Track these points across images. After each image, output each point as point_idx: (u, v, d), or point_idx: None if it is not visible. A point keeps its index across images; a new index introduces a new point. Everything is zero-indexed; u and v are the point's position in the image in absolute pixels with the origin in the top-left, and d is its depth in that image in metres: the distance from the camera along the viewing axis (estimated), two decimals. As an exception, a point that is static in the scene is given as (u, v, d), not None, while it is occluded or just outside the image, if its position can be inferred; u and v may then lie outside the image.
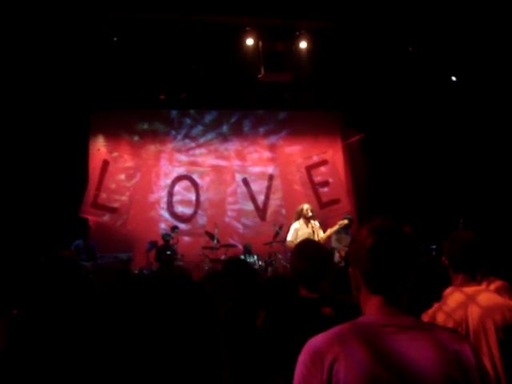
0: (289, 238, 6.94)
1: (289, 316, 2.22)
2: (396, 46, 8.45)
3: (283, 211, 10.45)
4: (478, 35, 7.38)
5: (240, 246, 10.06)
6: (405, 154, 9.92)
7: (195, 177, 10.56)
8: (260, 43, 8.42)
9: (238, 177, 10.67)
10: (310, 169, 9.83)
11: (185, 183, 10.61)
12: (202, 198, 10.31)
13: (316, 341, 1.31)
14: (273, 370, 1.98)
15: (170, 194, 10.52)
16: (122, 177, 9.56)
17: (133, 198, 9.42)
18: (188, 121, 11.19)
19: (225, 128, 11.32)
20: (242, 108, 11.18)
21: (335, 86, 10.05)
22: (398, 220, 1.40)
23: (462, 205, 8.58)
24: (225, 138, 11.29)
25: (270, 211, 10.53)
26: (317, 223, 7.09)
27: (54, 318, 1.85)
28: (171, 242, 9.15)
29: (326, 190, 9.77)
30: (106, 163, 9.25)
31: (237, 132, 11.36)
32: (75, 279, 2.57)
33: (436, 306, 2.34)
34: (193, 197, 10.42)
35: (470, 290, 2.32)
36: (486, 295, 2.28)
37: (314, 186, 9.72)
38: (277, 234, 9.32)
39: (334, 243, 7.96)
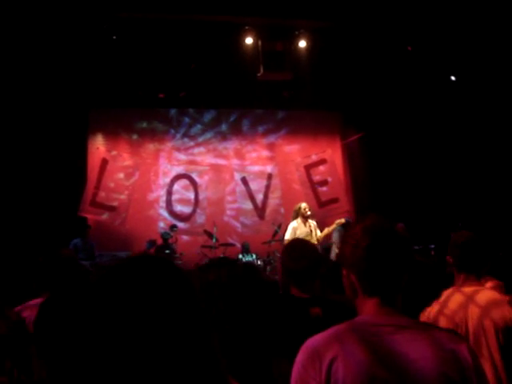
0: (287, 236, 6.95)
1: (276, 316, 2.22)
2: (395, 46, 8.45)
3: (282, 210, 10.46)
4: (477, 35, 7.39)
5: (238, 245, 10.05)
6: (403, 153, 9.93)
7: (194, 176, 10.55)
8: (259, 42, 8.42)
9: (237, 176, 10.67)
10: (308, 168, 9.82)
11: (184, 182, 10.61)
12: (201, 196, 10.31)
13: (314, 341, 1.31)
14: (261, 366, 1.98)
15: (169, 193, 10.51)
16: (121, 175, 9.55)
17: (132, 196, 9.40)
18: (187, 120, 11.19)
19: (224, 127, 11.32)
20: (240, 107, 11.18)
21: (334, 85, 10.05)
22: (390, 219, 1.39)
23: (460, 204, 8.59)
24: (224, 137, 11.28)
25: (268, 210, 10.53)
26: (314, 222, 7.10)
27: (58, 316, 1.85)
28: (170, 240, 9.15)
29: (324, 189, 9.76)
30: (104, 162, 9.23)
31: (236, 131, 11.35)
32: (75, 277, 2.57)
33: (437, 308, 2.34)
34: (192, 196, 10.41)
35: (469, 289, 2.32)
36: (485, 293, 2.29)
37: (313, 185, 9.71)
38: (275, 233, 9.31)
39: (334, 238, 7.98)
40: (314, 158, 9.99)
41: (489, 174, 8.39)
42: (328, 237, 7.57)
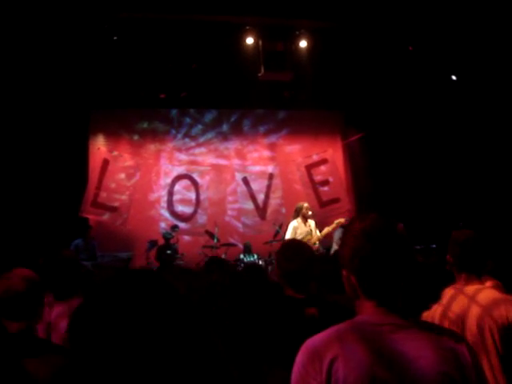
0: (287, 236, 6.96)
1: (271, 317, 2.21)
2: (396, 45, 8.44)
3: (283, 210, 10.45)
4: (478, 34, 7.37)
5: (240, 245, 10.05)
6: (405, 153, 9.92)
7: (195, 176, 10.55)
8: (260, 42, 8.42)
9: (238, 176, 10.67)
10: (309, 168, 9.81)
11: (185, 182, 10.61)
12: (202, 197, 10.31)
13: (314, 341, 1.31)
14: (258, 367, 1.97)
15: (170, 193, 10.51)
16: (122, 176, 9.55)
17: (133, 197, 9.41)
18: (188, 120, 11.19)
19: (225, 127, 11.32)
20: (241, 107, 11.17)
21: (335, 85, 10.04)
22: (389, 218, 1.38)
23: (462, 204, 8.58)
24: (225, 137, 11.28)
25: (269, 210, 10.52)
26: (313, 222, 7.11)
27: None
28: (172, 241, 9.15)
29: (326, 189, 9.76)
30: (105, 162, 9.23)
31: (237, 131, 11.35)
32: (76, 279, 2.58)
33: (440, 310, 2.33)
34: (193, 196, 10.42)
35: (471, 290, 2.31)
36: (486, 293, 2.28)
37: (314, 185, 9.71)
38: (277, 233, 9.31)
39: (335, 238, 7.98)
40: (315, 157, 9.99)
41: (490, 173, 8.38)
42: (328, 236, 7.57)
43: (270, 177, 10.75)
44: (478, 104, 8.38)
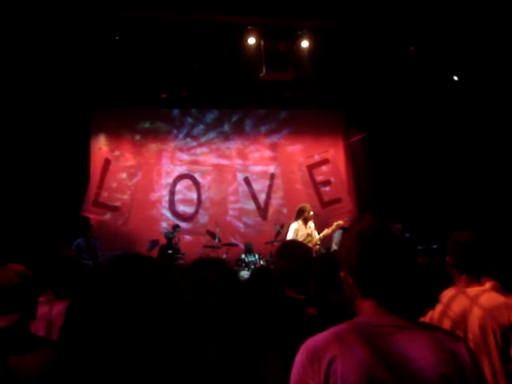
0: (289, 237, 6.94)
1: (271, 317, 2.21)
2: (398, 45, 8.44)
3: (284, 210, 10.45)
4: (479, 34, 7.37)
5: (241, 245, 10.05)
6: (407, 153, 9.91)
7: (197, 176, 10.56)
8: (262, 42, 8.43)
9: (240, 176, 10.68)
10: (311, 168, 9.80)
11: (186, 182, 10.62)
12: (204, 196, 10.31)
13: (313, 341, 1.31)
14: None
15: (172, 193, 10.52)
16: (124, 175, 9.55)
17: (134, 196, 9.41)
18: (189, 120, 11.19)
19: (226, 127, 11.32)
20: (243, 107, 11.17)
21: (337, 85, 10.04)
22: (387, 219, 1.38)
23: (463, 204, 8.57)
24: (226, 137, 11.28)
25: (271, 210, 10.52)
26: (312, 224, 7.11)
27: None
28: (173, 240, 9.15)
29: (327, 189, 9.75)
30: (107, 162, 9.24)
31: (238, 131, 11.35)
32: (76, 276, 2.58)
33: (440, 309, 2.33)
34: (194, 196, 10.42)
35: (472, 291, 2.31)
36: (488, 296, 2.27)
37: (316, 185, 9.70)
38: (278, 233, 9.31)
39: (335, 239, 7.98)
40: (317, 158, 9.98)
41: (492, 173, 8.37)
42: (327, 238, 7.57)
43: (272, 177, 10.76)
44: (480, 104, 8.37)
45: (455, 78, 8.66)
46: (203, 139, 11.16)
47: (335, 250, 7.59)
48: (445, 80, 8.79)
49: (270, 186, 10.65)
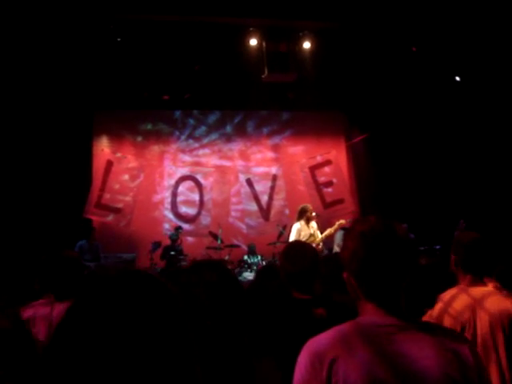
0: (291, 238, 6.94)
1: (280, 319, 2.21)
2: (399, 46, 8.43)
3: (287, 211, 10.43)
4: (481, 35, 7.36)
5: (244, 247, 10.05)
6: (408, 154, 9.90)
7: (199, 177, 10.55)
8: (263, 43, 8.43)
9: (242, 177, 10.67)
10: (313, 169, 9.80)
11: (188, 184, 10.62)
12: (206, 198, 10.30)
13: (316, 341, 1.31)
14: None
15: (174, 195, 10.53)
16: (126, 177, 9.56)
17: (136, 198, 9.41)
18: (191, 121, 11.21)
19: (228, 128, 11.33)
20: (245, 108, 11.19)
21: (339, 86, 10.04)
22: (390, 220, 1.37)
23: (466, 205, 8.55)
24: (228, 139, 11.29)
25: (273, 211, 10.51)
26: (315, 224, 7.10)
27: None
28: (176, 242, 9.16)
29: (329, 190, 9.74)
30: (109, 164, 9.25)
31: (240, 132, 11.36)
32: (78, 278, 2.57)
33: (441, 306, 2.33)
34: (196, 197, 10.42)
35: (476, 291, 2.30)
36: (494, 298, 2.26)
37: (318, 186, 9.70)
38: (280, 235, 9.31)
39: (336, 239, 7.97)
40: (319, 159, 9.98)
41: (494, 174, 8.35)
42: (329, 238, 7.56)
43: (274, 178, 10.74)
44: (482, 105, 8.35)
45: (457, 78, 8.65)
46: (205, 141, 11.18)
47: (338, 252, 7.59)
48: (447, 80, 8.77)
49: (272, 188, 10.63)
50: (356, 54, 8.68)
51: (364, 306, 1.36)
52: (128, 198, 9.26)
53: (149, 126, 10.91)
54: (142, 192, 9.70)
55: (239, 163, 11.17)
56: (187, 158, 11.02)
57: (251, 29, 8.30)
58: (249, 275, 8.70)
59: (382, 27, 7.97)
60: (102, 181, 9.08)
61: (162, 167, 10.82)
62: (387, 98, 9.83)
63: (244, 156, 11.30)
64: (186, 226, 10.02)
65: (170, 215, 10.48)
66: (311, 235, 6.87)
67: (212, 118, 11.30)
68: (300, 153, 11.24)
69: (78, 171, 9.43)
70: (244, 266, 9.14)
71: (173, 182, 10.61)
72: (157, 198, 10.65)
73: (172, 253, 8.83)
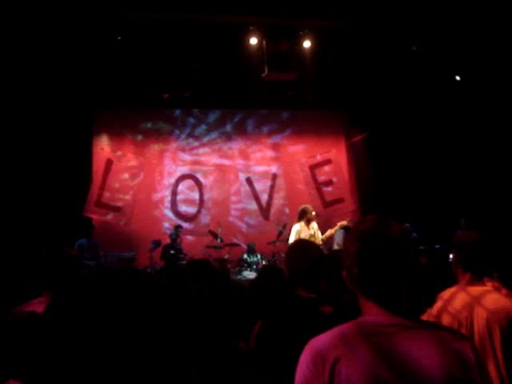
0: (291, 240, 6.90)
1: (287, 318, 2.22)
2: (400, 45, 8.43)
3: (287, 210, 10.43)
4: (481, 35, 7.35)
5: (243, 245, 10.06)
6: (409, 153, 9.90)
7: (199, 176, 10.55)
8: (264, 42, 8.43)
9: (242, 176, 10.66)
10: (313, 168, 9.78)
11: (188, 182, 10.62)
12: (206, 197, 10.30)
13: (317, 341, 1.31)
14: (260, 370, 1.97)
15: (174, 193, 10.53)
16: (126, 176, 9.54)
17: (136, 197, 9.40)
18: (191, 120, 11.20)
19: (228, 127, 11.33)
20: (245, 107, 11.18)
21: (339, 85, 10.04)
22: (390, 220, 1.37)
23: (466, 204, 8.55)
24: (228, 138, 11.29)
25: (273, 210, 10.50)
26: (315, 224, 7.08)
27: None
28: (176, 240, 9.16)
29: (329, 189, 9.73)
30: (109, 162, 9.23)
31: (240, 131, 11.36)
32: (77, 276, 2.57)
33: (440, 304, 2.33)
34: (196, 196, 10.42)
35: (475, 290, 2.31)
36: (492, 297, 2.27)
37: (318, 186, 9.68)
38: (280, 233, 9.31)
39: (337, 240, 7.97)
40: (319, 158, 9.96)
41: (495, 173, 8.34)
42: (329, 237, 7.56)
43: (274, 177, 10.74)
44: (482, 104, 8.35)
45: (457, 77, 8.64)
46: (205, 139, 11.17)
47: (340, 250, 7.61)
48: (447, 80, 8.77)
49: (272, 186, 10.63)
50: (356, 53, 8.68)
51: (365, 304, 1.36)
52: (128, 197, 9.24)
53: (149, 125, 10.91)
54: (141, 191, 9.69)
55: (239, 162, 11.17)
56: (187, 157, 11.02)
57: (251, 28, 8.30)
58: (248, 274, 8.70)
59: (383, 26, 7.97)
60: (102, 179, 9.06)
61: (162, 166, 10.82)
62: (387, 97, 9.84)
63: (244, 155, 11.30)
64: (185, 225, 10.02)
65: (170, 214, 10.48)
66: (312, 236, 6.85)
67: (212, 116, 11.30)
68: (300, 152, 11.23)
69: (78, 170, 9.43)
70: (244, 264, 9.14)
71: (173, 180, 10.61)
72: (157, 196, 10.65)
73: (172, 251, 8.83)
